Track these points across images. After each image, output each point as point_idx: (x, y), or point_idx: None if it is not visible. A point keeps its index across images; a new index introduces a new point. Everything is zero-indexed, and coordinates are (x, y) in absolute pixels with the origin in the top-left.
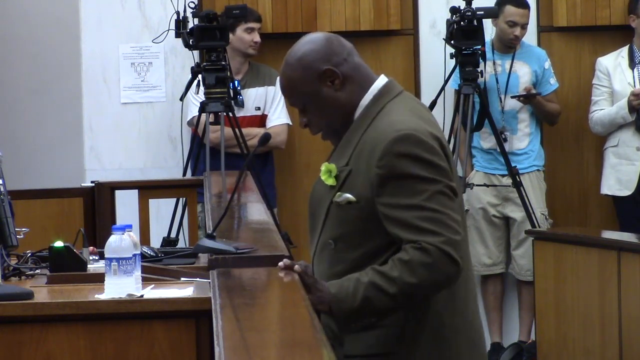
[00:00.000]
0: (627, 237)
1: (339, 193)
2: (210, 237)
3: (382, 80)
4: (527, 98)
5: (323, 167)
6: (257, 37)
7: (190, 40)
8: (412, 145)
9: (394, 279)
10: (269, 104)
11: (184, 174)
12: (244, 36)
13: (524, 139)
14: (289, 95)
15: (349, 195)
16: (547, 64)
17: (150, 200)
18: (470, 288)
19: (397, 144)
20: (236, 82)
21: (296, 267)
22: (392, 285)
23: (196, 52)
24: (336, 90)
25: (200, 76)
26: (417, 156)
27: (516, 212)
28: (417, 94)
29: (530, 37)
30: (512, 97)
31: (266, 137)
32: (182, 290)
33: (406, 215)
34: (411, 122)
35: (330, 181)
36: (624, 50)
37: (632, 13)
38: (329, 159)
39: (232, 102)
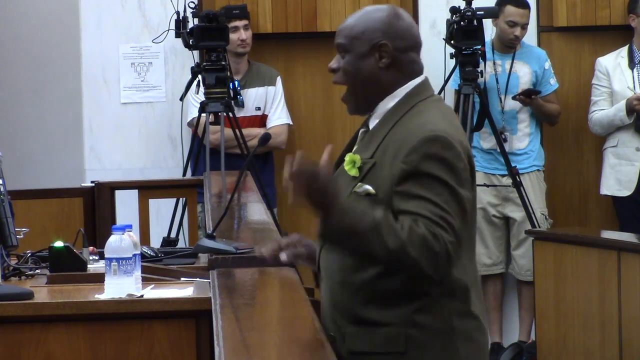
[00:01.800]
0: (627, 237)
1: (359, 184)
2: (210, 237)
3: (420, 78)
4: (528, 96)
5: (347, 158)
6: (243, 35)
7: (190, 40)
8: (442, 148)
9: (400, 238)
10: (269, 104)
11: (184, 174)
12: (230, 36)
13: (524, 139)
14: (339, 36)
15: (368, 187)
16: (547, 64)
17: (150, 200)
18: (479, 289)
19: (427, 144)
20: (236, 82)
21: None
22: (394, 240)
23: (196, 52)
24: (379, 67)
25: (200, 76)
26: (444, 159)
27: (516, 212)
28: None
29: (530, 37)
30: (512, 98)
31: (266, 138)
32: (182, 290)
33: (420, 207)
34: (443, 125)
35: (354, 172)
36: (624, 51)
37: (632, 12)
38: (350, 150)
39: (232, 102)
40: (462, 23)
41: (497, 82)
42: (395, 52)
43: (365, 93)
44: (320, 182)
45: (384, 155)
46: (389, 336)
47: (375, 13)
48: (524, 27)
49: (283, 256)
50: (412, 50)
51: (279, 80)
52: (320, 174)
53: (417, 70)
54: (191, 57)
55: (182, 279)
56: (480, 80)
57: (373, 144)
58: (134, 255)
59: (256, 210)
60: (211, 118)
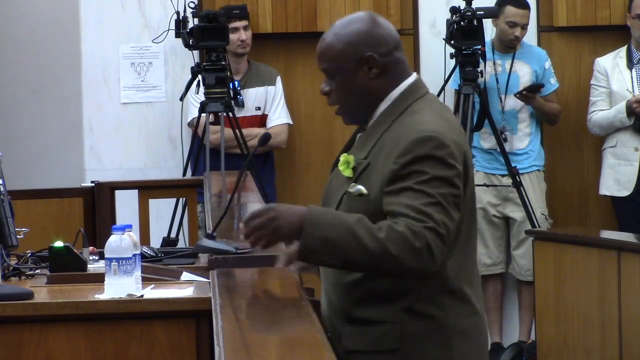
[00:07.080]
0: (627, 237)
1: (353, 184)
2: (210, 237)
3: (412, 78)
4: (533, 92)
5: (342, 158)
6: (243, 36)
7: (190, 40)
8: (433, 148)
9: (378, 238)
10: (269, 104)
11: (184, 174)
12: (230, 36)
13: (524, 139)
14: (322, 61)
15: (361, 187)
16: (548, 64)
17: (150, 200)
18: (479, 286)
19: (418, 145)
20: (236, 82)
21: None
22: (373, 241)
23: (196, 52)
24: (370, 78)
25: (200, 76)
26: (435, 158)
27: (516, 212)
28: None
29: (530, 37)
30: (515, 95)
31: (266, 137)
32: (182, 290)
33: (402, 206)
34: (436, 125)
35: (347, 172)
36: (622, 51)
37: (628, 11)
38: (347, 151)
39: (232, 102)
40: (462, 23)
41: (497, 82)
42: (383, 59)
43: (363, 107)
44: (276, 220)
45: (378, 156)
46: (383, 334)
47: (351, 26)
48: (524, 27)
49: (292, 268)
50: (396, 50)
51: (278, 80)
52: (268, 214)
53: (405, 68)
54: (191, 57)
55: (182, 279)
56: (480, 80)
57: (368, 144)
58: (134, 255)
59: None
60: (211, 118)
